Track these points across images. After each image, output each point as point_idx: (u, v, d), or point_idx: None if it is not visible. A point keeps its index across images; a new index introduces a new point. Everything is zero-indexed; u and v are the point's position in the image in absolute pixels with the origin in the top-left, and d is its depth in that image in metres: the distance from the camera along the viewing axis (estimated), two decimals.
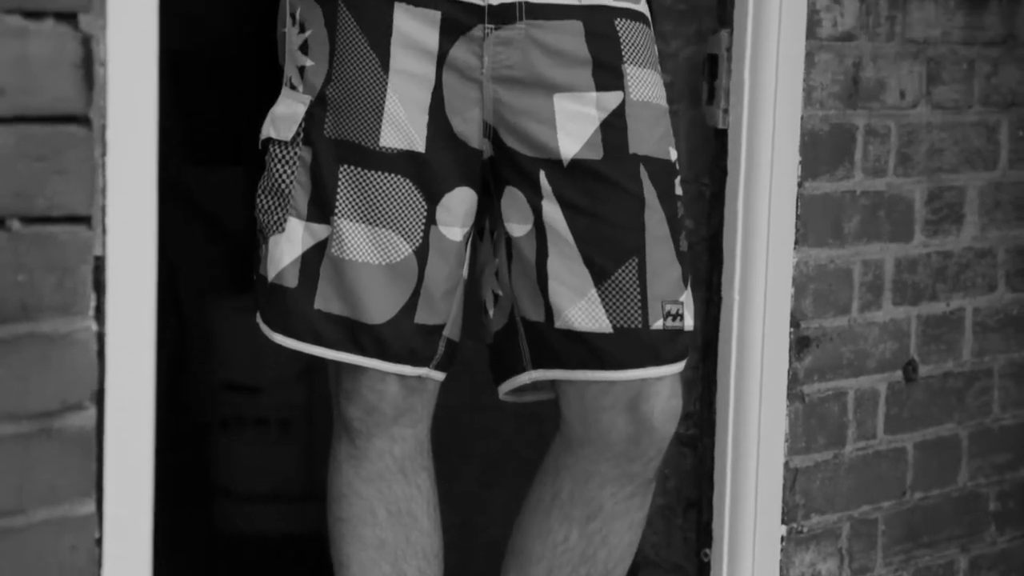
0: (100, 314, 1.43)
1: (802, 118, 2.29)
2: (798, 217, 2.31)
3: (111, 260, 1.44)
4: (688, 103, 2.35)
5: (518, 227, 1.78)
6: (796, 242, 2.31)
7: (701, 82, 2.31)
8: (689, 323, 1.79)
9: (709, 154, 2.32)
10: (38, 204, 1.39)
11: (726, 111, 2.28)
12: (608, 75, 1.77)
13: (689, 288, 1.81)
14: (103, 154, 1.43)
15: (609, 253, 1.76)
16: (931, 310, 2.50)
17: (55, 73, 1.39)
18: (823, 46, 2.32)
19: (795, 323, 2.33)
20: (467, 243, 1.81)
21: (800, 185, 2.31)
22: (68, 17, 1.40)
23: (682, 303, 1.78)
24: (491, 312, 1.83)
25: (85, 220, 1.42)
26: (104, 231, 1.43)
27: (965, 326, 2.55)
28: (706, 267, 2.32)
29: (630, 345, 1.76)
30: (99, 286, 1.43)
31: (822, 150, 2.33)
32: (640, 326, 1.76)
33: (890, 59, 2.40)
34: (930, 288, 2.49)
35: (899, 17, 2.40)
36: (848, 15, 2.33)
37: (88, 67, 1.41)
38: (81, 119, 1.42)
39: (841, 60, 2.34)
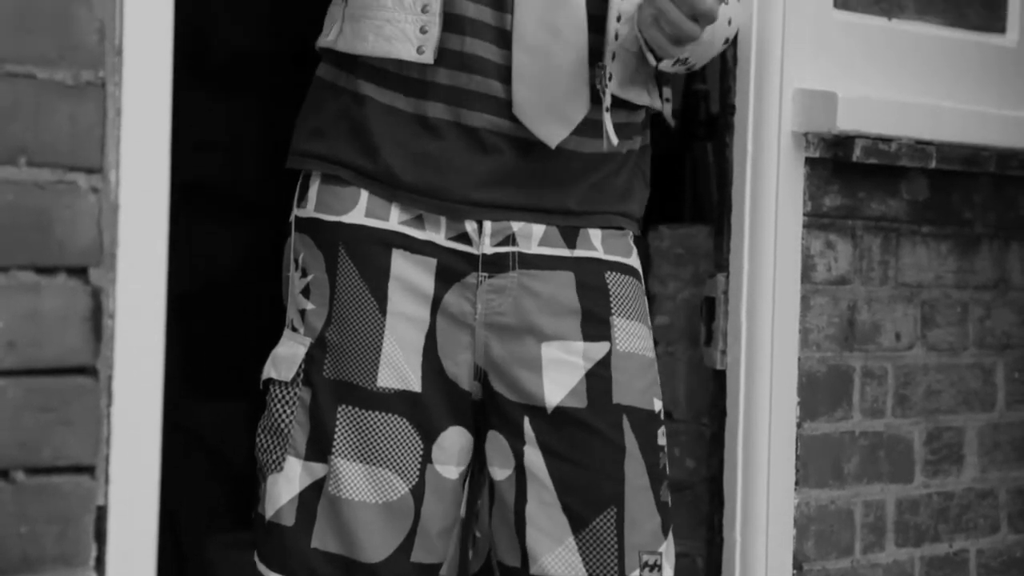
0: (100, 564, 1.42)
1: (799, 360, 2.31)
2: (798, 458, 2.32)
3: (113, 509, 1.44)
4: (686, 344, 2.38)
5: (500, 471, 1.81)
6: (796, 483, 2.31)
7: (699, 324, 2.34)
8: (668, 574, 1.81)
9: (708, 395, 2.34)
10: (44, 455, 1.40)
11: (724, 352, 2.30)
12: (596, 326, 1.81)
13: (670, 538, 1.83)
14: (109, 404, 1.44)
15: (588, 501, 1.78)
16: (934, 551, 2.48)
17: (65, 326, 1.41)
18: (818, 290, 2.35)
19: (798, 565, 2.31)
20: (463, 482, 1.83)
21: (799, 426, 2.32)
22: (79, 272, 1.42)
23: (660, 553, 1.80)
24: (470, 553, 1.85)
25: (89, 470, 1.43)
26: (107, 480, 1.44)
27: (969, 568, 2.53)
28: (707, 508, 2.31)
29: None
30: (100, 536, 1.43)
31: (820, 391, 2.35)
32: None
33: (884, 302, 2.43)
34: (932, 529, 2.48)
35: (892, 262, 2.44)
36: (842, 260, 2.38)
37: (97, 320, 1.43)
38: (89, 370, 1.43)
39: (836, 303, 2.37)
